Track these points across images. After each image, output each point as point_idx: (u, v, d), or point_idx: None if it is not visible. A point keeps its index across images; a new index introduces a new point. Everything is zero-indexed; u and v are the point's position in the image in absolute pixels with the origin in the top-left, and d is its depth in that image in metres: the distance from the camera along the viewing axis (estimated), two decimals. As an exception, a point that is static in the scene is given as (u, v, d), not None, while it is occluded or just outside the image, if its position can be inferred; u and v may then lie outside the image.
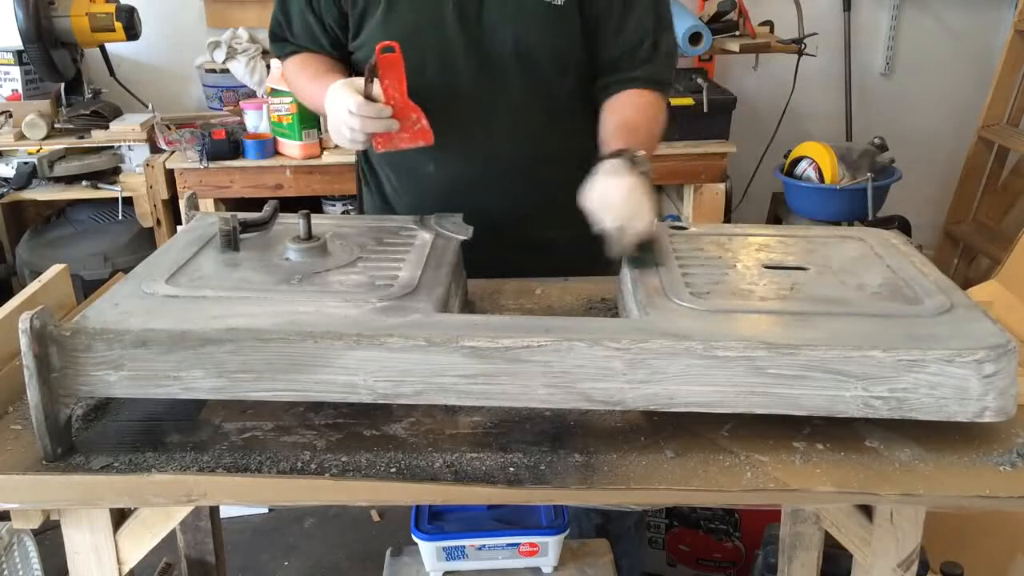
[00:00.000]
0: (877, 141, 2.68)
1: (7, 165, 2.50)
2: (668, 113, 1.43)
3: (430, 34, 1.33)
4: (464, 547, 1.52)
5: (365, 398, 0.92)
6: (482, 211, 1.31)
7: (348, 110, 1.21)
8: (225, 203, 2.45)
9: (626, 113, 1.35)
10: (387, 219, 1.28)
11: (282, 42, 1.49)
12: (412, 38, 1.29)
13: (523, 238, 1.39)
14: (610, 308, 1.26)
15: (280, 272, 1.07)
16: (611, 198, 1.14)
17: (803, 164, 2.64)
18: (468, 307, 1.25)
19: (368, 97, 1.21)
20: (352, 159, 2.34)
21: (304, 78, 1.43)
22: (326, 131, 2.43)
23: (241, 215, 1.18)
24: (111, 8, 2.51)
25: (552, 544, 1.54)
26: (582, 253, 1.27)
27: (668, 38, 1.42)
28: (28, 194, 2.50)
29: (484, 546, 1.53)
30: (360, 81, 1.24)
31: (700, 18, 2.68)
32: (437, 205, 1.32)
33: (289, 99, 2.32)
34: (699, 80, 2.69)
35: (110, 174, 2.55)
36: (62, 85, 2.62)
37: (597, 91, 1.40)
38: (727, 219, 2.73)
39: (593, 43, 1.37)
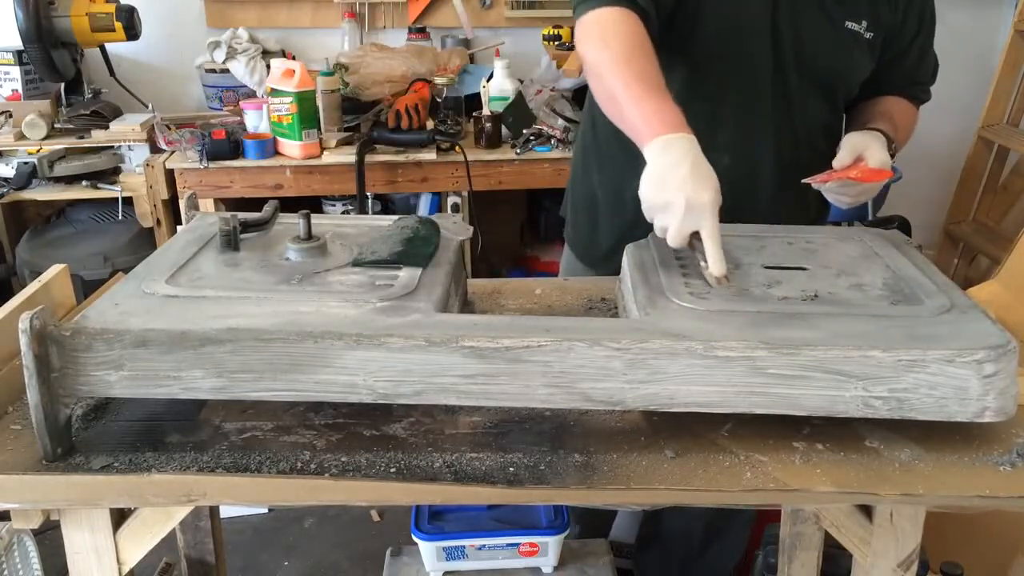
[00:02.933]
0: (877, 141, 2.68)
1: (7, 165, 2.49)
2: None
3: (753, 38, 1.33)
4: (464, 547, 1.53)
5: (365, 398, 0.92)
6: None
7: (697, 231, 1.05)
8: (225, 203, 2.45)
9: (893, 109, 1.44)
10: (387, 219, 1.28)
11: None
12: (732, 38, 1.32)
13: None
14: (610, 308, 1.26)
15: (280, 272, 1.07)
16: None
17: (803, 164, 2.64)
18: (468, 307, 1.25)
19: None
20: (351, 159, 2.36)
21: (629, 69, 1.15)
22: (327, 131, 2.44)
23: (241, 215, 1.18)
24: (111, 8, 2.51)
25: (552, 544, 1.55)
26: None
27: (935, 56, 1.52)
28: (28, 194, 2.49)
29: (484, 546, 1.53)
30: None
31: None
32: None
33: (289, 99, 2.32)
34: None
35: (110, 174, 2.55)
36: (62, 85, 2.62)
37: (863, 94, 1.46)
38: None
39: (880, 65, 1.42)
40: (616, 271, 1.46)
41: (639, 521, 2.00)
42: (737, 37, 1.33)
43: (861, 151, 1.28)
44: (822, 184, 1.29)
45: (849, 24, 1.35)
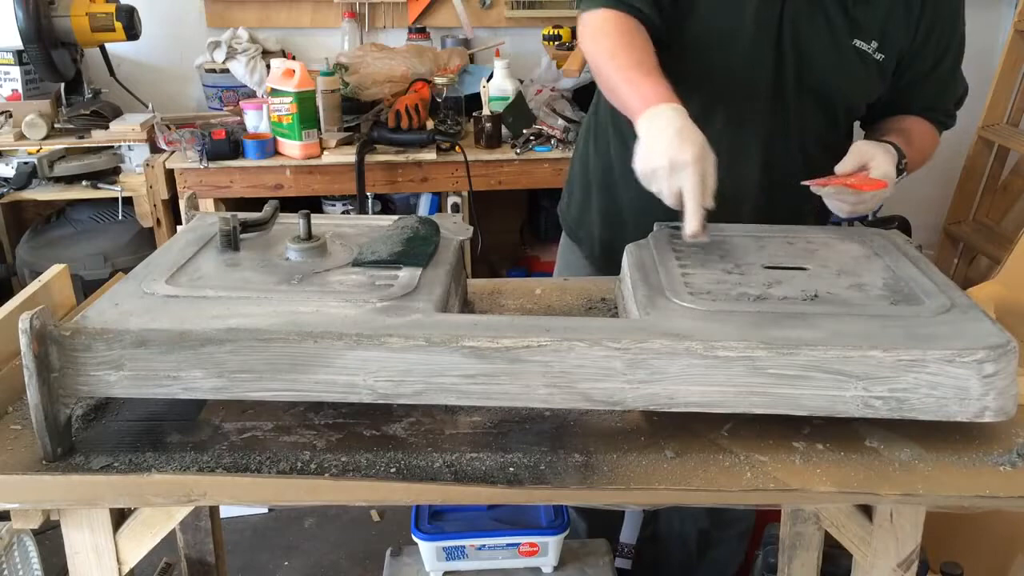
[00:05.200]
0: (877, 141, 2.68)
1: (7, 165, 2.49)
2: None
3: (755, 46, 1.33)
4: (464, 547, 1.53)
5: (365, 398, 0.92)
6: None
7: (683, 187, 1.10)
8: (225, 203, 2.45)
9: (911, 128, 1.42)
10: (387, 219, 1.28)
11: None
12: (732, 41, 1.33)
13: None
14: (610, 308, 1.26)
15: (280, 272, 1.07)
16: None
17: (803, 164, 2.64)
18: (468, 307, 1.25)
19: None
20: (351, 159, 2.36)
21: (623, 54, 1.24)
22: (327, 131, 2.44)
23: (241, 215, 1.18)
24: (111, 8, 2.51)
25: (552, 544, 1.55)
26: None
27: (963, 84, 1.48)
28: (28, 194, 2.49)
29: (484, 546, 1.53)
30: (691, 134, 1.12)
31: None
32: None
33: (289, 99, 2.32)
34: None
35: (110, 174, 2.54)
36: (62, 85, 2.62)
37: (883, 113, 1.45)
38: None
39: (898, 88, 1.41)
40: (602, 251, 1.45)
41: (640, 523, 2.01)
42: (733, 47, 1.34)
43: (867, 160, 1.27)
44: (820, 188, 1.29)
45: (857, 42, 1.34)
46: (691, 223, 1.10)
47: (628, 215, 1.48)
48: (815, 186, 1.28)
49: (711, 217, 1.14)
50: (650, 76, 1.20)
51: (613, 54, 1.26)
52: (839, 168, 1.28)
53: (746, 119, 1.37)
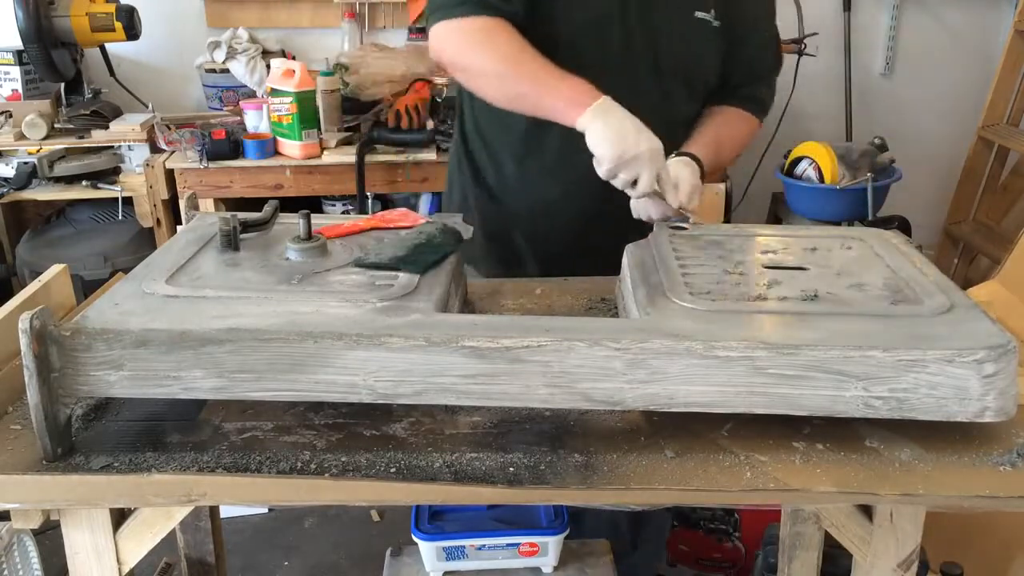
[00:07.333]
0: (877, 141, 2.69)
1: (7, 165, 2.50)
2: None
3: (604, 32, 1.35)
4: (464, 547, 1.52)
5: (365, 398, 0.92)
6: (598, 211, 1.37)
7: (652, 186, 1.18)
8: (225, 203, 2.45)
9: (721, 130, 1.44)
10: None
11: None
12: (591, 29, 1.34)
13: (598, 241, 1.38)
14: (610, 308, 1.26)
15: (280, 272, 1.07)
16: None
17: (803, 164, 2.64)
18: (468, 307, 1.25)
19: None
20: (351, 159, 2.36)
21: (528, 60, 1.25)
22: (327, 131, 2.44)
23: (241, 215, 1.18)
24: (111, 8, 2.51)
25: (552, 544, 1.54)
26: None
27: (778, 62, 1.53)
28: (28, 194, 2.50)
29: (484, 546, 1.53)
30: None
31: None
32: (556, 193, 1.37)
33: (289, 99, 2.32)
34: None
35: (110, 174, 2.55)
36: (62, 85, 2.63)
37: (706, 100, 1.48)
38: (727, 219, 2.73)
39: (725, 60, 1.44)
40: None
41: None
42: (589, 33, 1.34)
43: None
44: None
45: (698, 14, 1.37)
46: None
47: (523, 225, 1.49)
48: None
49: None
50: (567, 78, 1.23)
51: (515, 67, 1.26)
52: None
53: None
